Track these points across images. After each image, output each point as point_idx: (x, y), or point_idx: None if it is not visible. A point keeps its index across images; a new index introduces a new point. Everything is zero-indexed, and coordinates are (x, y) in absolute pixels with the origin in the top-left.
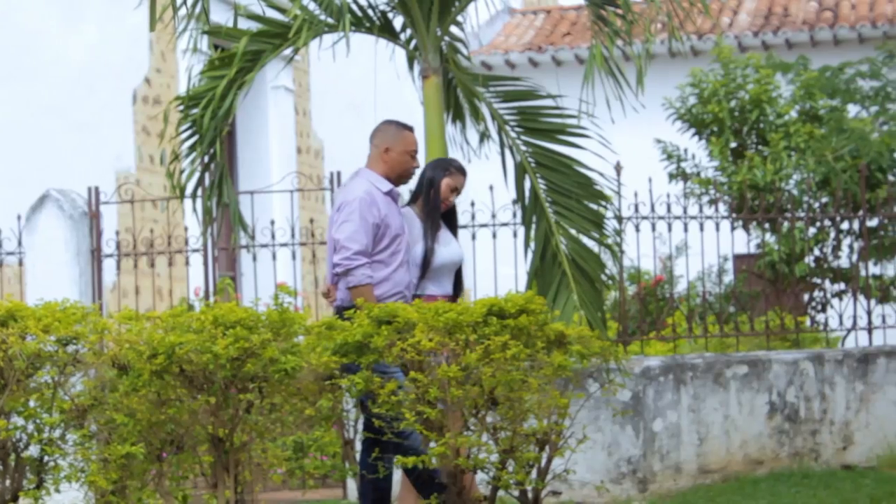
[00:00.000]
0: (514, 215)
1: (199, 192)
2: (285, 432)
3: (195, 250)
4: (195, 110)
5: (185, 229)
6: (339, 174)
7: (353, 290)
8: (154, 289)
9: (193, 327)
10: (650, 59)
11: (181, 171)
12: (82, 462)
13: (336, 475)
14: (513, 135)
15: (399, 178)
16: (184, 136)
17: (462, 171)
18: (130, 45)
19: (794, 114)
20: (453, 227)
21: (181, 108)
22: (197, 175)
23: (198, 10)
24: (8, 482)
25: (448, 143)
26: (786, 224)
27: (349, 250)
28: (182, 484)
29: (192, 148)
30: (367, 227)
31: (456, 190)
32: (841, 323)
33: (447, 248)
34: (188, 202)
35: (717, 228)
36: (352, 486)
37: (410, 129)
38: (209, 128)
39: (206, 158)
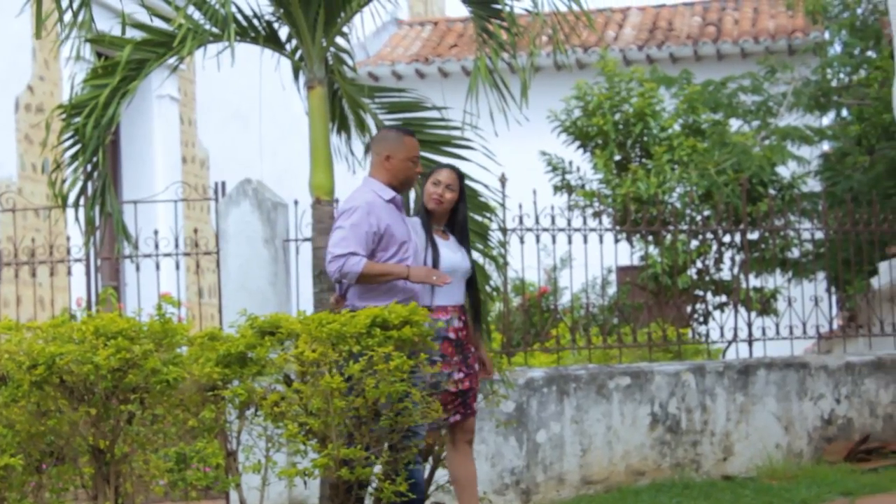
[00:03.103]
0: None
1: (82, 201)
2: (167, 443)
3: (77, 260)
4: (78, 119)
5: (68, 239)
6: (223, 184)
7: (362, 279)
8: (35, 299)
9: (74, 338)
10: (535, 71)
11: (63, 180)
12: None
13: (219, 487)
14: None
15: (402, 185)
16: (66, 144)
17: (443, 165)
18: (13, 52)
19: (677, 127)
20: (464, 238)
21: (63, 116)
22: (79, 184)
23: (81, 17)
24: None
25: (333, 154)
26: (668, 236)
27: (331, 255)
28: (62, 496)
29: (74, 157)
30: (358, 233)
31: (439, 182)
32: (722, 335)
33: (455, 254)
34: (70, 211)
35: (601, 240)
36: (234, 497)
37: (411, 134)
38: (92, 137)
39: (89, 167)
